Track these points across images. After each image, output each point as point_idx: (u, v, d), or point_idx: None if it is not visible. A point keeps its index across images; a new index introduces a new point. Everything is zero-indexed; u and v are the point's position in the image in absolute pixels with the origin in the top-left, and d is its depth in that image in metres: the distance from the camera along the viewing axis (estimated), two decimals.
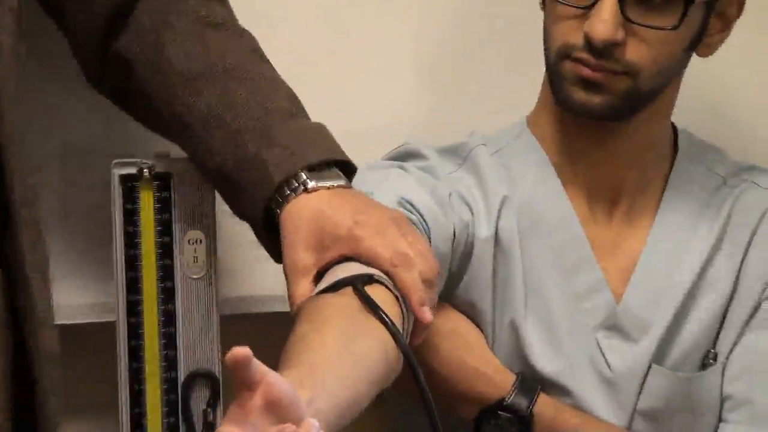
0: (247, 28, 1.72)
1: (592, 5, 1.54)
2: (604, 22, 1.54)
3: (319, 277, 1.48)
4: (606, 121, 1.63)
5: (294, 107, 1.54)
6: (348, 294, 1.38)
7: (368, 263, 1.43)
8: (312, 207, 1.47)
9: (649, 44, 1.58)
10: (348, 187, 1.50)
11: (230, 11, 1.60)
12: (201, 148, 1.54)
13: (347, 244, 1.44)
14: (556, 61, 1.59)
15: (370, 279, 1.38)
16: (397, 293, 1.40)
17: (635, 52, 1.57)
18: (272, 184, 1.47)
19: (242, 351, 1.08)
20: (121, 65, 1.56)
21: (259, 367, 1.10)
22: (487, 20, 1.89)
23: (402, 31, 1.93)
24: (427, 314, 1.40)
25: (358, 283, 1.37)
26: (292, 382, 1.18)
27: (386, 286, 1.39)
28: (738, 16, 1.65)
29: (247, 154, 1.49)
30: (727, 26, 1.65)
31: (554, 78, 1.60)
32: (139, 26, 1.55)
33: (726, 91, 2.00)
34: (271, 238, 1.51)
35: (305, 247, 1.47)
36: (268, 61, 1.59)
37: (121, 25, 1.55)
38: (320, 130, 1.53)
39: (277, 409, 1.11)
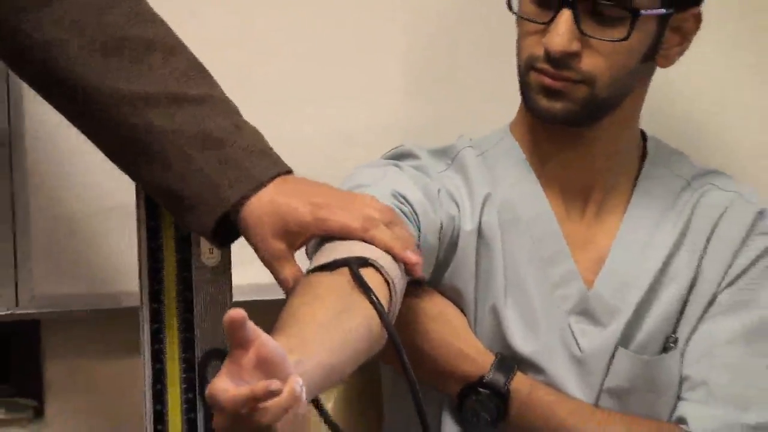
0: (232, 34, 1.77)
1: (551, 21, 1.61)
2: (560, 36, 1.60)
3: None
4: (569, 126, 1.69)
5: (236, 121, 1.56)
6: (340, 273, 1.43)
7: (342, 238, 1.48)
8: (265, 201, 1.52)
9: (603, 55, 1.63)
10: (286, 173, 1.53)
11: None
12: (150, 164, 1.54)
13: (315, 226, 1.49)
14: (524, 72, 1.65)
15: (365, 262, 1.44)
16: (387, 278, 1.46)
17: (590, 63, 1.62)
18: (227, 204, 1.51)
19: (238, 312, 1.15)
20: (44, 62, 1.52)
21: (253, 327, 1.17)
22: (475, 30, 1.92)
23: (395, 42, 1.97)
24: (413, 256, 1.46)
25: (353, 265, 1.43)
26: (286, 344, 1.26)
27: (378, 270, 1.46)
28: (696, 30, 1.71)
29: (199, 176, 1.51)
30: (685, 39, 1.70)
31: (523, 87, 1.67)
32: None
33: (692, 100, 2.05)
34: (222, 242, 1.56)
35: (273, 236, 1.52)
36: (209, 75, 1.58)
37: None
38: (264, 145, 1.56)
39: (267, 366, 1.18)
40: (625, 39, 1.61)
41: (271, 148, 1.55)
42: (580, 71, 1.63)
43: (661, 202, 1.73)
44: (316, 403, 1.46)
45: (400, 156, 1.71)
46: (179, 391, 1.64)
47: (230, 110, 1.56)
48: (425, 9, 1.96)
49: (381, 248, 1.46)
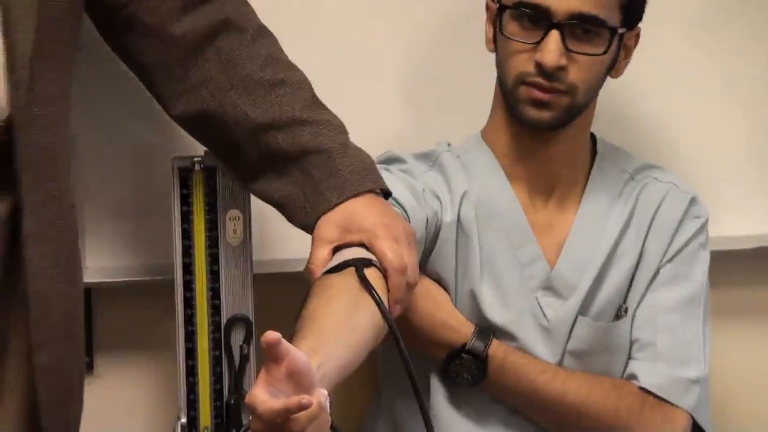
0: None
1: (541, 41, 1.68)
2: (552, 52, 1.68)
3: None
4: (550, 131, 1.75)
5: (346, 140, 1.62)
6: (349, 273, 1.49)
7: (375, 257, 1.52)
8: (348, 206, 1.58)
9: (584, 67, 1.72)
10: (379, 196, 1.59)
11: (280, 50, 1.64)
12: (276, 176, 1.62)
13: (367, 235, 1.54)
14: (513, 86, 1.71)
15: (369, 263, 1.51)
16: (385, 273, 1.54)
17: (575, 75, 1.70)
18: (328, 207, 1.58)
19: (274, 335, 1.24)
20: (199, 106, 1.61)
21: (285, 345, 1.25)
22: (457, 49, 1.95)
23: (385, 57, 2.00)
24: (396, 312, 1.52)
25: (359, 266, 1.50)
26: (306, 349, 1.34)
27: (378, 268, 1.53)
28: (635, 46, 1.79)
29: (312, 184, 1.59)
30: (628, 54, 1.79)
31: (511, 100, 1.73)
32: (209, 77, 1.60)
33: (636, 104, 2.08)
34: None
35: (335, 225, 1.57)
36: (321, 104, 1.65)
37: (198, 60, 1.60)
38: (366, 163, 1.61)
39: (296, 377, 1.26)
40: (605, 53, 1.70)
41: (373, 165, 1.61)
42: (566, 82, 1.70)
43: (610, 194, 1.82)
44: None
45: (388, 161, 1.77)
46: (207, 348, 1.72)
47: (341, 131, 1.62)
48: (418, 29, 2.00)
49: (389, 289, 1.50)
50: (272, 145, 1.60)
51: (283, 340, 1.27)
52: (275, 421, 1.26)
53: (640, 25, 1.79)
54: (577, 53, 1.69)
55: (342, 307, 1.48)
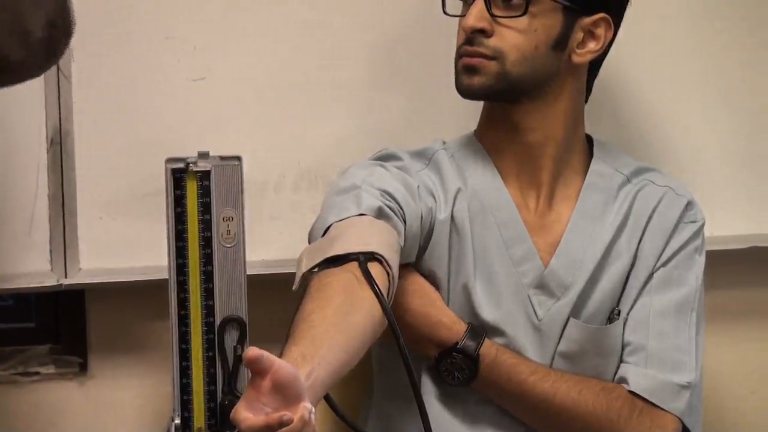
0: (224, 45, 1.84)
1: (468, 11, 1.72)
2: (471, 16, 1.70)
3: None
4: (489, 100, 1.78)
5: None
6: (347, 270, 1.52)
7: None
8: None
9: (511, 33, 1.72)
10: None
11: None
12: None
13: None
14: (455, 62, 1.75)
15: (372, 257, 1.53)
16: (388, 269, 1.55)
17: (499, 40, 1.71)
18: None
19: (254, 351, 1.26)
20: None
21: (268, 358, 1.26)
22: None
23: (379, 54, 2.00)
24: None
25: (361, 260, 1.52)
26: (297, 355, 1.37)
27: (380, 262, 1.54)
28: (608, 36, 1.78)
29: None
30: (598, 42, 1.77)
31: (455, 75, 1.76)
32: None
33: (632, 105, 2.09)
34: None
35: None
36: None
37: None
38: None
39: (283, 389, 1.27)
40: (523, 14, 1.70)
41: None
42: (491, 47, 1.71)
43: (605, 195, 1.80)
44: (329, 400, 1.51)
45: (385, 158, 1.78)
46: (201, 349, 1.69)
47: None
48: (416, 27, 1.98)
49: None
50: None
51: (265, 354, 1.27)
52: None
53: (612, 13, 1.77)
54: (500, 17, 1.71)
55: (337, 310, 1.48)
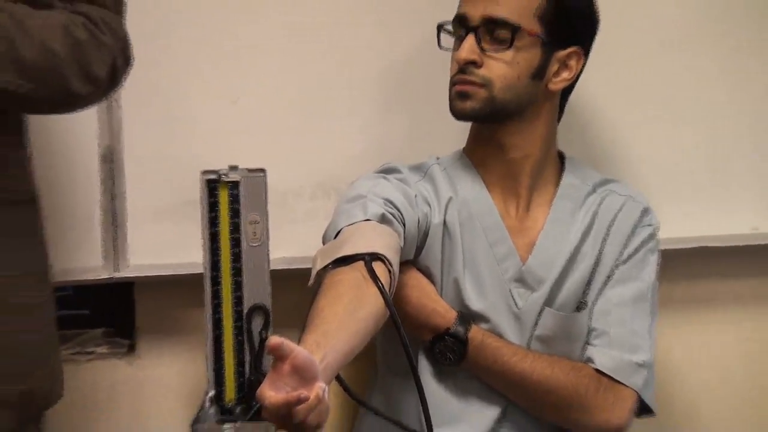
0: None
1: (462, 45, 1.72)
2: (464, 50, 1.71)
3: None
4: (478, 122, 1.78)
5: None
6: (355, 268, 1.53)
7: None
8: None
9: (497, 65, 1.72)
10: None
11: None
12: None
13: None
14: (449, 89, 1.75)
15: (376, 257, 1.54)
16: (390, 268, 1.56)
17: (488, 71, 1.72)
18: None
19: (276, 340, 1.28)
20: None
21: (288, 345, 1.28)
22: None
23: (383, 76, 1.99)
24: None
25: (367, 260, 1.53)
26: (311, 343, 1.38)
27: (383, 261, 1.55)
28: (579, 67, 1.78)
29: None
30: (570, 72, 1.77)
31: (449, 101, 1.75)
32: None
33: (598, 124, 2.08)
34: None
35: None
36: None
37: None
38: None
39: (300, 371, 1.29)
40: (508, 48, 1.71)
41: None
42: (480, 76, 1.72)
43: (574, 203, 1.82)
44: (338, 378, 1.51)
45: (388, 171, 1.79)
46: (231, 334, 1.71)
47: None
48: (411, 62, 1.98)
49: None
50: None
51: (285, 342, 1.29)
52: (281, 412, 1.29)
53: (584, 47, 1.78)
54: (489, 51, 1.72)
55: (346, 305, 1.49)
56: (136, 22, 1.63)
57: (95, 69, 1.53)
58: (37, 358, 1.60)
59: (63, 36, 1.50)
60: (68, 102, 1.56)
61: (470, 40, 1.71)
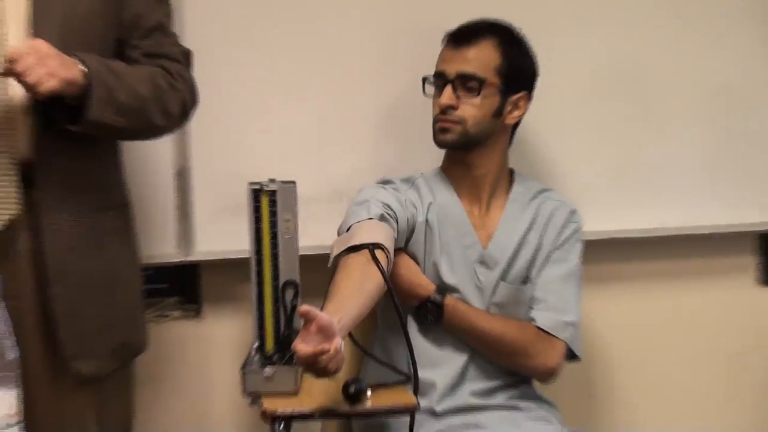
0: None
1: (442, 93, 1.75)
2: (444, 97, 1.74)
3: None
4: (454, 149, 1.77)
5: None
6: (362, 254, 1.56)
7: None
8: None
9: (468, 108, 1.74)
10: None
11: None
12: None
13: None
14: (433, 124, 1.78)
15: (377, 246, 1.58)
16: (388, 254, 1.58)
17: (462, 112, 1.74)
18: None
19: (305, 307, 1.34)
20: None
21: (314, 311, 1.35)
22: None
23: (379, 102, 1.96)
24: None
25: (371, 249, 1.57)
26: (331, 309, 1.42)
27: (382, 249, 1.58)
28: (526, 106, 1.77)
29: None
30: (519, 111, 1.78)
31: (434, 133, 1.78)
32: None
33: (538, 150, 2.03)
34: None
35: None
36: None
37: None
38: None
39: (323, 330, 1.36)
40: (477, 95, 1.74)
41: None
42: (456, 116, 1.75)
43: (521, 206, 1.85)
44: (351, 336, 1.57)
45: (385, 182, 1.83)
46: (271, 301, 1.71)
47: None
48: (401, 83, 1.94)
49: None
50: None
51: (312, 309, 1.34)
52: (309, 360, 1.36)
53: (529, 92, 1.79)
54: (464, 97, 1.75)
55: (356, 281, 1.54)
56: (199, 71, 1.65)
57: (171, 107, 1.57)
58: (130, 318, 1.64)
59: (147, 84, 1.54)
60: (152, 132, 1.60)
61: (448, 90, 1.76)
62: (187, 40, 1.68)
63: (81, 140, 1.50)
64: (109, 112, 1.48)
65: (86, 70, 1.45)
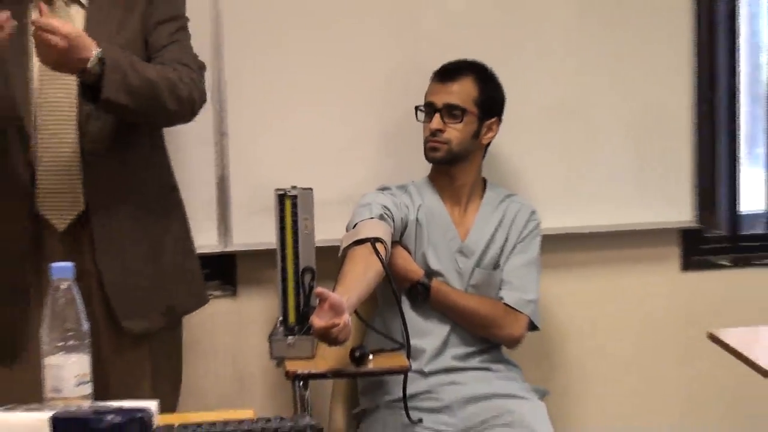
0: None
1: (432, 120, 1.80)
2: (434, 123, 1.80)
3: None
4: (442, 165, 1.83)
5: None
6: (365, 246, 1.61)
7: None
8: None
9: (453, 132, 1.80)
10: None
11: None
12: None
13: None
14: (424, 144, 1.84)
15: (379, 240, 1.63)
16: (386, 246, 1.63)
17: (448, 134, 1.80)
18: None
19: (320, 289, 1.40)
20: None
21: (327, 292, 1.42)
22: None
23: (377, 115, 1.95)
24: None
25: (372, 242, 1.62)
26: (341, 291, 1.48)
27: (382, 243, 1.63)
28: (497, 128, 1.81)
29: None
30: (492, 132, 1.84)
31: (425, 151, 1.84)
32: None
33: (505, 161, 2.05)
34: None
35: None
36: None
37: None
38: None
39: (334, 308, 1.41)
40: (460, 122, 1.80)
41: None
42: (443, 138, 1.81)
43: (492, 208, 1.91)
44: (356, 312, 1.58)
45: (383, 188, 1.89)
46: (292, 284, 1.77)
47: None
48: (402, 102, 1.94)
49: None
50: None
51: (325, 291, 1.41)
52: (323, 332, 1.43)
53: (499, 117, 1.85)
54: (449, 123, 1.82)
55: (360, 268, 1.60)
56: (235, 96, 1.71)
57: (182, 94, 1.51)
58: (176, 284, 1.66)
59: (157, 73, 1.50)
60: (166, 115, 1.51)
61: (437, 117, 1.86)
62: (227, 68, 1.73)
63: (125, 129, 1.47)
64: (123, 93, 1.43)
65: (102, 56, 1.39)
